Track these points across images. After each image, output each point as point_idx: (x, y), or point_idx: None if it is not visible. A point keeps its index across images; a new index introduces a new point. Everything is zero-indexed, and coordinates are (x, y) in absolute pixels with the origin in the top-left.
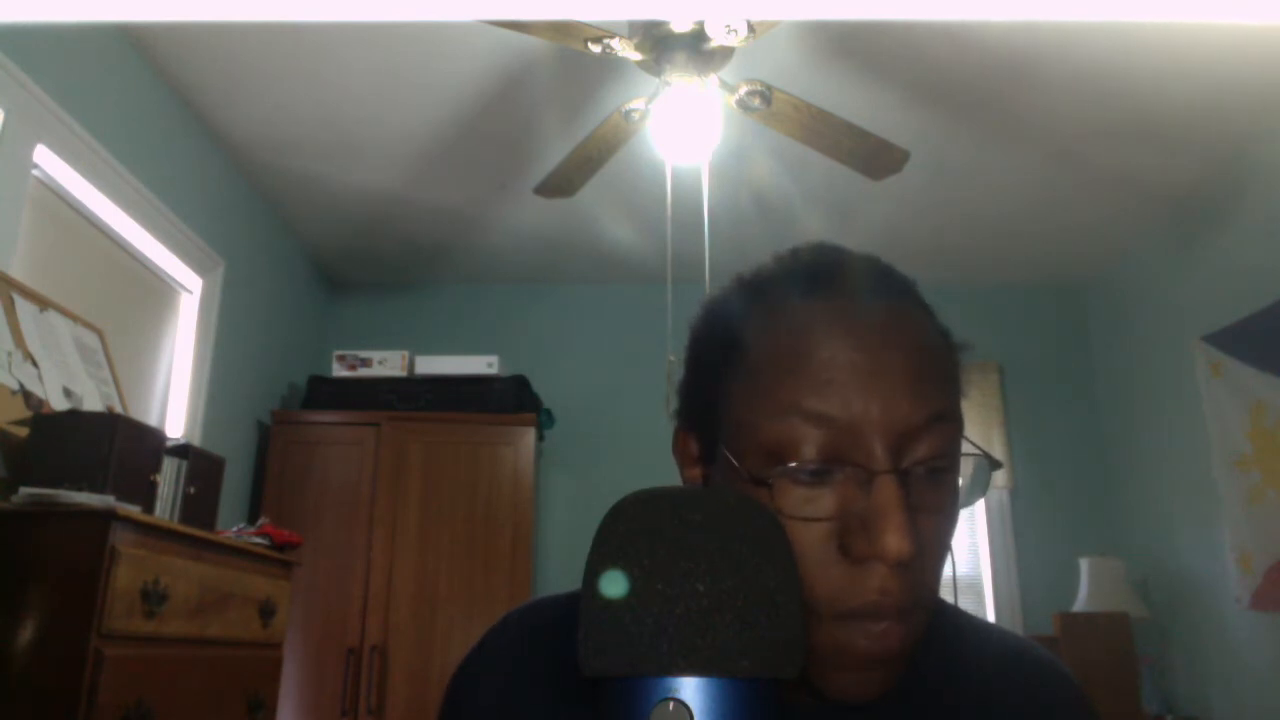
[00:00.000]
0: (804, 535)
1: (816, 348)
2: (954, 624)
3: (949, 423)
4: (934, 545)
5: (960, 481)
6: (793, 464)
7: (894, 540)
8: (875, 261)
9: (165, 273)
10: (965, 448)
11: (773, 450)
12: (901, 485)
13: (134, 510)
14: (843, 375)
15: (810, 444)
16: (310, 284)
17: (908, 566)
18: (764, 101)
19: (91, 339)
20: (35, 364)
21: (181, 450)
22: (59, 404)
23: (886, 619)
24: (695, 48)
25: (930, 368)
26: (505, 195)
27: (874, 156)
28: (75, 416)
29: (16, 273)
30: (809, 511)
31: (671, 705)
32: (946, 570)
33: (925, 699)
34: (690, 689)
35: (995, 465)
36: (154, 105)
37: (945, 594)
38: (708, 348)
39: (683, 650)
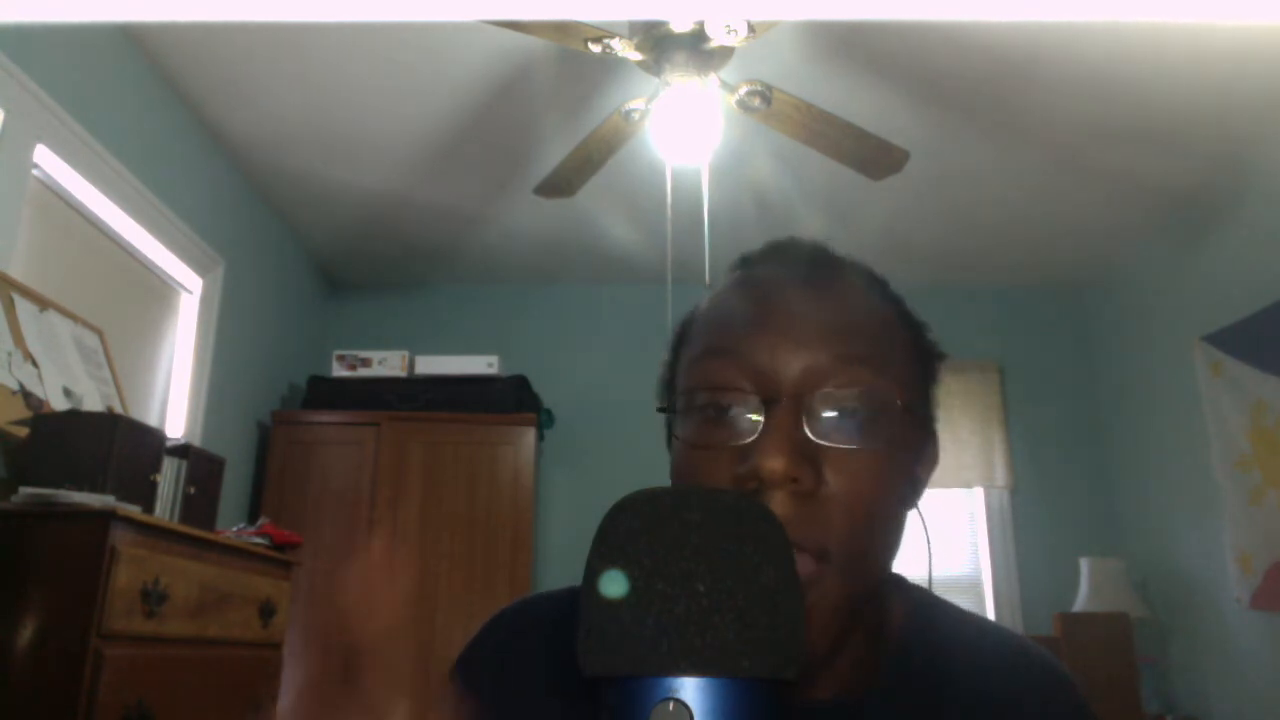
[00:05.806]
0: (702, 463)
1: (732, 301)
2: (946, 619)
3: (864, 368)
4: (850, 482)
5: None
6: (689, 392)
7: (765, 458)
8: (818, 244)
9: (165, 272)
10: (910, 424)
11: (684, 389)
12: (793, 414)
13: (134, 510)
14: (749, 316)
15: (710, 376)
16: (310, 284)
17: (784, 486)
18: (764, 101)
19: (91, 339)
20: (35, 364)
21: (181, 450)
22: (59, 404)
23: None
24: (695, 48)
25: (849, 320)
26: (505, 195)
27: (874, 157)
28: (75, 416)
29: (16, 273)
30: (705, 440)
31: (671, 705)
32: (940, 569)
33: (917, 697)
34: (690, 689)
35: (918, 423)
36: (154, 105)
37: (921, 566)
38: (674, 333)
39: (683, 650)
